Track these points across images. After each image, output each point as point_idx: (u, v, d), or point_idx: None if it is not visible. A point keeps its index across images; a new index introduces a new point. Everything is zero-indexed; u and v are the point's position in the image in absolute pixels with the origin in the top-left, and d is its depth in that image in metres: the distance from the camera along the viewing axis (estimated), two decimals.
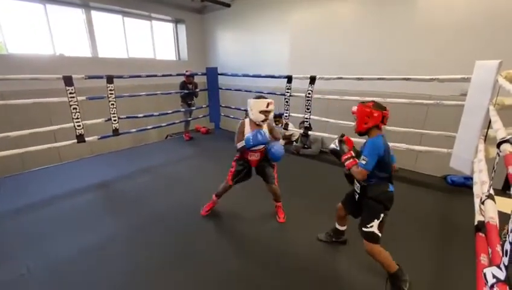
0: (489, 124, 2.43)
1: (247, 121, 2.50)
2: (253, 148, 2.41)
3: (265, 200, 2.77)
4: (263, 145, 2.41)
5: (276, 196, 2.64)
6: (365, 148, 1.72)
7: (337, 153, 1.86)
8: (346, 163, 1.78)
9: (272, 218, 2.68)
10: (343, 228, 2.20)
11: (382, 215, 1.73)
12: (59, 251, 2.21)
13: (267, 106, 2.35)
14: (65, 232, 2.46)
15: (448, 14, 4.02)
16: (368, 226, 1.72)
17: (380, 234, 1.72)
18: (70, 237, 2.40)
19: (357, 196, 1.89)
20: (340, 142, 1.85)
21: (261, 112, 2.35)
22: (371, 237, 1.72)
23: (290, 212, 2.73)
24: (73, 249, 2.22)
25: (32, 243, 2.32)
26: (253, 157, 2.50)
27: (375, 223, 1.71)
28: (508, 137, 1.22)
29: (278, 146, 2.38)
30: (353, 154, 1.80)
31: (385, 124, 1.77)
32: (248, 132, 2.41)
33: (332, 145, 1.89)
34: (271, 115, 2.44)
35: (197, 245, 2.30)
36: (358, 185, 1.85)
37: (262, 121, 2.40)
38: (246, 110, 5.66)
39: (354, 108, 1.82)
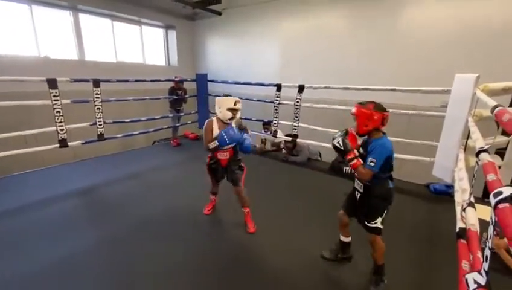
0: (468, 135, 2.53)
1: (214, 119, 2.51)
2: (223, 147, 2.43)
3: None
4: (231, 146, 2.45)
5: (243, 200, 2.58)
6: (374, 150, 1.69)
7: (340, 151, 1.82)
8: (351, 163, 1.76)
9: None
10: (348, 240, 2.11)
11: (385, 211, 1.80)
12: (30, 261, 2.09)
13: (235, 104, 2.42)
14: (40, 241, 2.34)
15: (431, 30, 4.23)
16: (373, 222, 1.80)
17: (382, 227, 1.81)
18: (46, 246, 2.28)
19: (358, 195, 1.89)
20: (343, 140, 1.80)
21: (228, 109, 2.40)
22: (375, 230, 1.81)
23: (277, 219, 2.72)
24: (46, 259, 2.11)
25: (3, 252, 2.20)
26: (223, 157, 2.51)
27: (379, 219, 1.79)
28: (486, 147, 1.28)
29: (249, 139, 2.43)
30: (357, 153, 1.78)
31: (385, 126, 1.75)
32: (216, 130, 2.43)
33: (335, 143, 1.83)
34: (238, 114, 2.49)
35: (178, 254, 2.24)
36: (360, 184, 1.85)
37: (230, 119, 2.44)
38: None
39: (353, 109, 1.79)
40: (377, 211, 1.80)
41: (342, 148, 1.79)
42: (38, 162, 4.41)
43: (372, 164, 1.67)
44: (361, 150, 1.83)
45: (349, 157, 1.76)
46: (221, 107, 2.44)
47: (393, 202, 1.81)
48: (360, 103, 1.78)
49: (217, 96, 5.68)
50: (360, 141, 1.89)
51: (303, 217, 2.87)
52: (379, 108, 1.74)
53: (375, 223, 1.79)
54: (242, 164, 2.63)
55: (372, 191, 1.80)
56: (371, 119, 1.71)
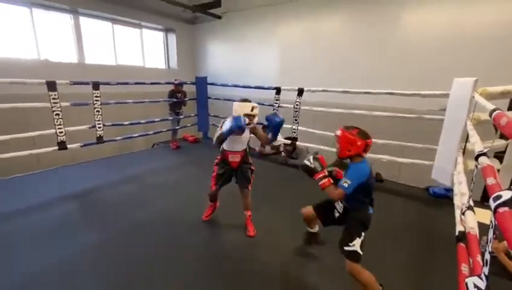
0: (467, 138, 2.54)
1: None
2: (233, 150, 2.44)
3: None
4: (243, 148, 2.46)
5: (248, 203, 2.57)
6: (349, 171, 1.70)
7: (309, 170, 1.82)
8: (320, 182, 1.76)
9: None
10: (316, 229, 2.29)
11: (363, 233, 1.73)
12: (27, 265, 2.08)
13: (252, 110, 2.39)
14: (36, 246, 2.32)
15: (430, 33, 4.26)
16: (350, 244, 1.70)
17: (361, 253, 1.69)
18: (42, 250, 2.26)
19: (337, 215, 1.93)
20: (315, 159, 1.83)
21: (245, 115, 2.36)
22: (353, 256, 1.69)
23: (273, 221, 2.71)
24: (38, 263, 2.09)
25: (2, 254, 2.19)
26: (234, 159, 2.48)
27: (357, 241, 1.70)
28: (485, 150, 1.28)
29: (277, 117, 2.43)
30: (326, 173, 1.79)
31: (366, 153, 1.74)
32: None
33: (305, 162, 1.85)
34: (255, 120, 2.45)
35: (176, 256, 2.23)
36: (341, 205, 1.87)
37: (247, 125, 2.38)
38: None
39: (338, 132, 1.77)
40: (354, 231, 1.73)
41: (313, 166, 1.80)
42: (33, 165, 4.39)
43: (345, 185, 1.65)
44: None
45: (319, 176, 1.77)
46: (237, 111, 2.39)
47: (369, 227, 1.77)
48: (345, 127, 1.77)
49: (217, 99, 5.60)
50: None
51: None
52: (363, 134, 1.72)
53: (353, 245, 1.69)
54: (252, 167, 2.59)
55: (351, 213, 1.81)
56: (354, 144, 1.70)
